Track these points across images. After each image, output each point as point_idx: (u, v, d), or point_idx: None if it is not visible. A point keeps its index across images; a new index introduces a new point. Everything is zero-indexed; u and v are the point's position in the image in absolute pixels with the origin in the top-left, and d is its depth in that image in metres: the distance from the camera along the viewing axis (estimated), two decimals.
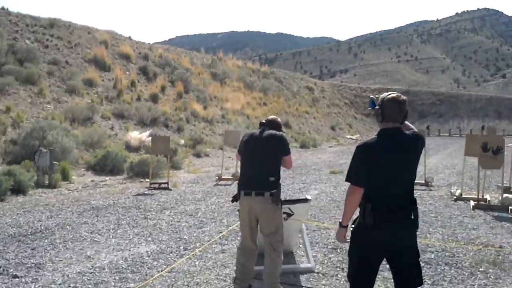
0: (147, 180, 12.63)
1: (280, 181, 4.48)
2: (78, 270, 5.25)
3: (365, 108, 58.34)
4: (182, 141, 21.17)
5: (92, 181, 12.68)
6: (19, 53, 20.76)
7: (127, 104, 21.99)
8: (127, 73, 27.12)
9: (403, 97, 3.30)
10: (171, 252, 6.00)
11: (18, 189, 10.11)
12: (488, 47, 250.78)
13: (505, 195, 9.61)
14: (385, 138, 3.24)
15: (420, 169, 14.24)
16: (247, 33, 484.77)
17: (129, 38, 33.88)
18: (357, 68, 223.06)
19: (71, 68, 22.88)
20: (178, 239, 6.69)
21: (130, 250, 6.07)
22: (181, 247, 6.24)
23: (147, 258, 5.75)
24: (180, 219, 8.07)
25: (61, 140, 13.42)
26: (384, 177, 3.19)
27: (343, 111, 53.82)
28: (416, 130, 3.48)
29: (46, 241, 6.52)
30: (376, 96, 3.56)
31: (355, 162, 3.29)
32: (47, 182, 11.34)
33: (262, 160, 4.38)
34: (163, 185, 11.64)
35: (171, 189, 11.42)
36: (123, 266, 5.43)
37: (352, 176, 3.28)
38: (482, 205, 9.45)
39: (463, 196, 10.39)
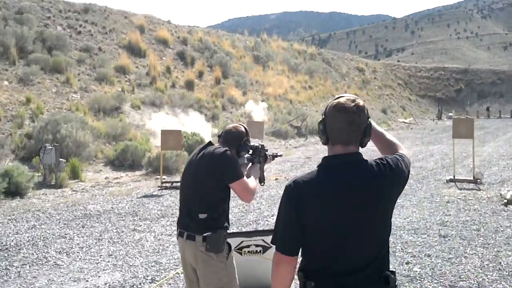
0: (164, 177, 11.71)
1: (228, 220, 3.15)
2: None
3: (420, 89, 55.61)
4: (216, 130, 20.19)
5: (106, 178, 11.87)
6: (48, 40, 20.24)
7: (159, 92, 21.16)
8: (164, 58, 26.34)
9: (358, 102, 1.99)
10: (133, 286, 4.93)
11: (16, 191, 9.38)
12: None
13: None
14: (328, 174, 1.97)
15: (469, 162, 12.60)
16: (300, 13, 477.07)
17: (168, 22, 33.07)
18: (415, 46, 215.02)
19: (103, 55, 22.27)
20: (153, 263, 5.61)
21: (87, 281, 5.05)
22: (149, 277, 5.15)
23: None
24: (173, 231, 7.00)
25: (75, 134, 12.65)
26: (330, 240, 1.93)
27: (396, 92, 51.28)
28: (400, 152, 2.15)
29: (2, 264, 5.62)
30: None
31: (280, 214, 2.04)
32: (54, 182, 10.60)
33: (194, 190, 3.08)
34: (175, 184, 10.65)
35: None
36: None
37: (277, 239, 2.04)
38: None
39: None
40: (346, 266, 1.92)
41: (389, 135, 2.28)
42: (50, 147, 10.72)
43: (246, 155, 3.39)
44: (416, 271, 5.32)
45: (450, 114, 45.19)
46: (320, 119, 2.06)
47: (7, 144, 12.29)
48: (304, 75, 37.45)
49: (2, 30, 18.19)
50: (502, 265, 5.50)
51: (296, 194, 1.97)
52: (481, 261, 5.66)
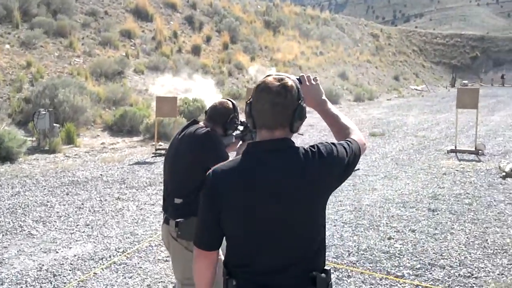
0: (160, 144, 11.58)
1: None
2: None
3: (435, 56, 54.47)
4: (221, 96, 19.95)
5: (102, 144, 11.76)
6: (53, 3, 19.90)
7: (164, 57, 20.86)
8: (171, 23, 25.91)
9: (285, 82, 1.74)
10: (102, 258, 4.82)
11: (6, 156, 9.30)
12: None
13: None
14: (250, 162, 1.75)
15: (472, 132, 12.25)
16: None
17: None
18: (433, 12, 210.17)
19: (109, 18, 21.94)
20: (129, 235, 5.49)
21: (57, 252, 4.95)
22: (121, 249, 5.05)
23: (66, 267, 4.60)
24: (157, 200, 6.88)
25: (73, 99, 12.50)
26: (250, 235, 1.73)
27: (410, 59, 50.20)
28: (350, 138, 1.91)
29: None
30: (303, 75, 2.04)
31: (200, 206, 1.86)
32: (48, 147, 10.51)
33: (172, 173, 2.90)
34: None
35: None
36: (27, 280, 4.32)
37: (196, 232, 1.86)
38: None
39: None
40: (268, 264, 1.72)
41: (345, 118, 2.02)
42: (44, 112, 10.59)
43: (235, 133, 3.17)
44: (397, 247, 5.15)
45: (465, 81, 44.35)
46: (247, 100, 1.84)
47: (4, 108, 12.20)
48: (315, 41, 36.70)
49: None
50: (488, 243, 5.30)
51: (213, 184, 1.77)
52: (467, 237, 5.47)
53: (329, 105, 2.03)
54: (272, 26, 34.48)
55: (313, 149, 1.76)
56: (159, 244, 5.14)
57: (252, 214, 1.70)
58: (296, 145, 1.76)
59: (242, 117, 3.11)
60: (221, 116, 3.00)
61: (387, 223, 5.94)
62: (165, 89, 17.41)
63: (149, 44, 21.91)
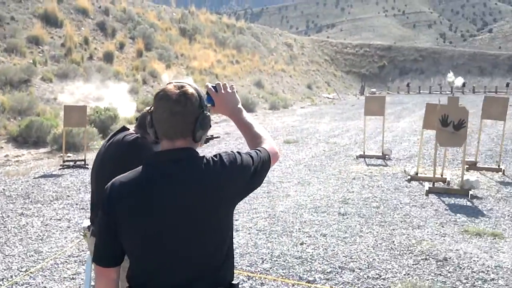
0: (69, 155, 11.10)
1: None
2: None
3: (345, 65, 56.61)
4: (135, 105, 19.48)
5: (5, 156, 11.09)
6: None
7: (74, 64, 20.10)
8: (82, 29, 25.04)
9: (185, 90, 1.68)
10: (2, 279, 4.50)
11: None
12: (475, 1, 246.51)
13: (466, 176, 8.21)
14: (150, 174, 1.68)
15: (379, 138, 12.81)
16: None
17: None
18: (344, 23, 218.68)
19: (15, 24, 20.82)
20: (33, 252, 5.18)
21: None
22: (23, 269, 4.74)
23: None
24: (63, 215, 6.55)
25: None
26: (149, 251, 1.66)
27: (323, 68, 51.88)
28: (260, 147, 1.89)
29: None
30: (219, 83, 2.01)
31: (97, 220, 1.78)
32: None
33: (97, 183, 2.71)
34: (78, 163, 10.09)
35: (88, 168, 9.86)
36: None
37: (94, 248, 1.76)
38: (438, 189, 8.04)
39: (419, 175, 8.97)
40: (170, 280, 1.66)
41: (259, 127, 1.99)
42: None
43: None
44: (309, 252, 5.24)
45: (373, 89, 46.52)
46: (149, 109, 1.78)
47: None
48: (231, 49, 36.97)
49: None
50: (394, 244, 5.53)
51: (109, 198, 1.69)
52: (375, 240, 5.68)
53: (245, 114, 2.00)
54: (188, 33, 34.33)
55: (215, 159, 1.72)
56: (66, 262, 4.89)
57: (150, 228, 1.64)
58: (200, 155, 1.73)
59: None
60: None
61: (299, 229, 6.04)
62: (75, 98, 16.79)
63: (58, 50, 21.03)
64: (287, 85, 37.85)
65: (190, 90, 1.69)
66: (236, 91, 2.03)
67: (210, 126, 1.79)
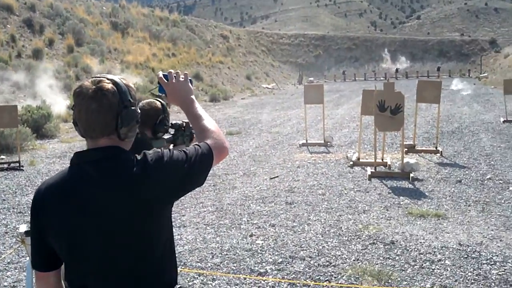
0: (2, 157, 10.52)
1: None
2: None
3: (282, 55, 57.08)
4: (68, 102, 18.74)
5: None
6: None
7: (2, 63, 19.08)
8: (8, 26, 23.82)
9: (102, 85, 1.54)
10: None
11: None
12: None
13: (405, 159, 8.41)
14: (74, 174, 1.56)
15: (320, 126, 12.97)
16: None
17: None
18: (278, 13, 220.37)
19: None
20: None
21: None
22: None
23: None
24: (0, 220, 6.18)
25: None
26: (80, 255, 1.55)
27: (260, 59, 52.06)
28: (203, 142, 1.74)
29: None
30: (170, 71, 1.88)
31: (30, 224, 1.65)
32: None
33: None
34: (13, 165, 9.57)
35: (23, 169, 9.37)
36: None
37: (31, 252, 1.64)
38: (380, 173, 8.21)
39: (361, 160, 9.12)
40: (103, 285, 1.54)
41: (208, 120, 1.84)
42: None
43: (166, 136, 2.87)
44: (259, 243, 5.18)
45: (311, 78, 47.16)
46: (72, 107, 1.62)
47: None
48: (167, 43, 36.37)
49: None
50: (342, 230, 5.56)
51: (35, 201, 1.59)
52: (323, 227, 5.69)
53: (196, 105, 1.87)
54: (120, 27, 33.44)
55: (138, 158, 1.58)
56: (5, 269, 4.61)
57: (76, 233, 1.52)
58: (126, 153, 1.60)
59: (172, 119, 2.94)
60: (149, 117, 2.75)
61: (248, 220, 5.98)
62: (5, 97, 15.99)
63: None
64: (226, 76, 37.69)
65: (108, 86, 1.54)
66: (190, 80, 1.91)
67: (138, 122, 1.65)
